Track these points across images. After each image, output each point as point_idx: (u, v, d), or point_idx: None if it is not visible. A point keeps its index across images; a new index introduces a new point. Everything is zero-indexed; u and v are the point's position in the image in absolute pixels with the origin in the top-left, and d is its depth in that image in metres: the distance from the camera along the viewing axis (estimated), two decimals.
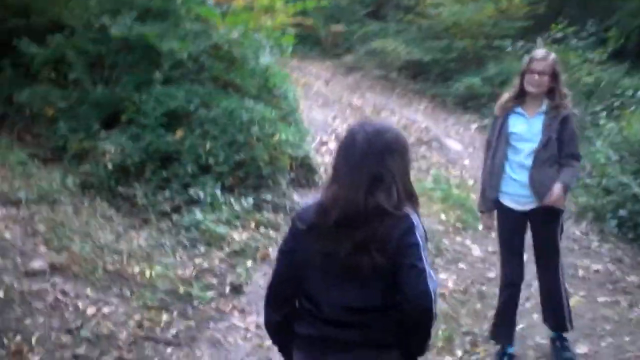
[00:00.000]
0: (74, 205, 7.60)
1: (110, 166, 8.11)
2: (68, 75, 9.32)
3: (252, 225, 7.40)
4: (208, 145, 8.03)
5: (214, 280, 6.33)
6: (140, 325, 5.33)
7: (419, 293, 2.60)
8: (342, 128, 11.85)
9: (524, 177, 4.69)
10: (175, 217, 7.43)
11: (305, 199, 8.44)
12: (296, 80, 14.01)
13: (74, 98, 9.15)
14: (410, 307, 2.63)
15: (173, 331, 5.35)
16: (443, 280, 6.32)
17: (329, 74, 15.65)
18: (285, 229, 7.73)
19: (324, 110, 12.61)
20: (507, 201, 4.82)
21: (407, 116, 12.73)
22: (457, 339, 5.36)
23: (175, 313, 5.64)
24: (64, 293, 5.79)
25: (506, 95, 4.83)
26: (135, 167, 8.13)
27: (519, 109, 4.76)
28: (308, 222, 2.82)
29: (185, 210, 7.58)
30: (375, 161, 2.66)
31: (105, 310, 5.54)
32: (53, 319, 5.34)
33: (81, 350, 4.93)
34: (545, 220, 4.75)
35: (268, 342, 5.19)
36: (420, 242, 2.65)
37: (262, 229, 7.28)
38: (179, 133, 8.34)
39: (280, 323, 2.99)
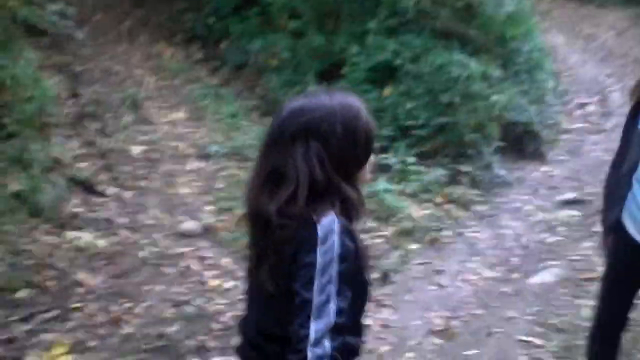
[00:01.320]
0: None
1: None
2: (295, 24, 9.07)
3: (439, 200, 6.52)
4: (409, 105, 7.22)
5: None
6: None
7: (294, 331, 1.88)
8: (614, 88, 10.15)
9: None
10: None
11: (514, 174, 7.31)
12: (578, 32, 12.40)
13: (297, 48, 8.88)
14: (289, 348, 1.91)
15: None
16: None
17: (627, 24, 13.54)
18: (478, 208, 6.73)
19: (599, 66, 10.91)
20: (629, 225, 3.27)
21: None
22: None
23: None
24: (201, 260, 5.57)
25: None
26: None
27: None
28: None
29: (374, 177, 6.91)
30: (282, 149, 1.96)
31: (227, 285, 5.19)
32: (171, 288, 5.12)
33: (171, 329, 4.62)
34: None
35: (375, 346, 4.48)
36: (317, 262, 1.86)
37: (447, 206, 6.38)
38: (387, 90, 7.63)
39: None
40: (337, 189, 1.96)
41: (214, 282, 5.21)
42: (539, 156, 7.51)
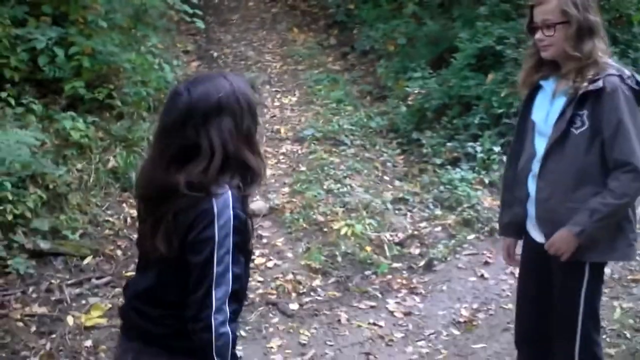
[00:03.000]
0: (359, 147, 7.49)
1: (405, 109, 7.76)
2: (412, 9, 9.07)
3: None
4: (504, 93, 7.01)
5: (417, 251, 5.64)
6: (277, 288, 5.07)
7: (196, 301, 2.10)
8: None
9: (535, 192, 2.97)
10: (442, 171, 6.76)
11: None
12: None
13: (415, 34, 8.89)
14: (188, 317, 2.13)
15: (303, 300, 4.97)
16: None
17: None
18: None
19: None
20: (529, 225, 3.08)
21: None
22: None
23: (331, 280, 5.22)
24: (258, 239, 5.82)
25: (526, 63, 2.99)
26: (433, 113, 7.58)
27: (548, 82, 2.95)
28: None
29: (458, 165, 6.84)
30: (194, 129, 2.14)
31: (270, 264, 5.44)
32: None
33: None
34: (561, 269, 2.92)
35: (390, 332, 4.53)
36: (216, 236, 2.07)
37: None
38: (490, 77, 7.45)
39: None
40: (243, 160, 2.15)
41: (260, 260, 5.46)
42: None
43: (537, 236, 3.02)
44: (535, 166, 2.96)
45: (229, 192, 2.10)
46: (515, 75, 6.84)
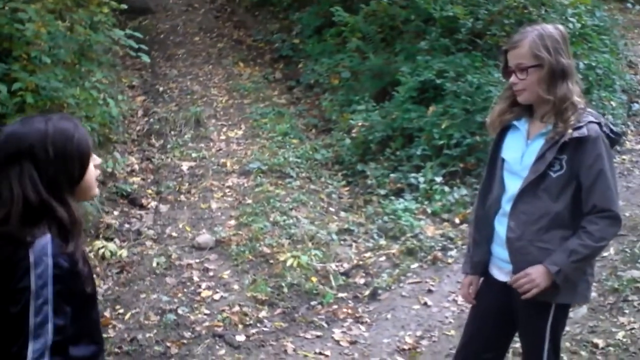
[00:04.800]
0: (304, 179, 7.57)
1: (349, 141, 7.89)
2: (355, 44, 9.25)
3: (457, 220, 6.47)
4: (444, 124, 7.20)
5: (362, 280, 5.73)
6: (224, 320, 5.09)
7: (14, 354, 2.00)
8: None
9: (503, 231, 2.99)
10: (386, 201, 6.89)
11: None
12: None
13: (358, 68, 9.06)
14: None
15: (250, 332, 5.00)
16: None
17: None
18: None
19: None
20: (491, 265, 3.13)
21: None
22: None
23: (278, 311, 5.27)
24: (204, 271, 5.86)
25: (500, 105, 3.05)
26: (377, 145, 7.73)
27: (520, 123, 3.00)
28: None
29: (402, 195, 6.98)
30: None
31: (216, 296, 5.45)
32: (165, 297, 5.44)
33: (147, 335, 4.94)
34: (526, 308, 2.97)
35: None
36: (33, 286, 2.01)
37: (463, 227, 6.31)
38: (431, 109, 7.65)
39: None
40: (50, 210, 2.07)
41: (206, 293, 5.48)
42: None
43: (500, 275, 3.07)
44: (505, 205, 2.99)
45: (48, 241, 2.04)
46: (455, 107, 7.09)
